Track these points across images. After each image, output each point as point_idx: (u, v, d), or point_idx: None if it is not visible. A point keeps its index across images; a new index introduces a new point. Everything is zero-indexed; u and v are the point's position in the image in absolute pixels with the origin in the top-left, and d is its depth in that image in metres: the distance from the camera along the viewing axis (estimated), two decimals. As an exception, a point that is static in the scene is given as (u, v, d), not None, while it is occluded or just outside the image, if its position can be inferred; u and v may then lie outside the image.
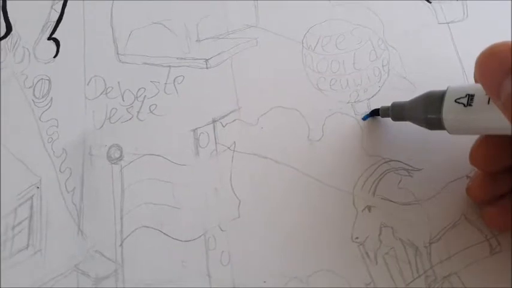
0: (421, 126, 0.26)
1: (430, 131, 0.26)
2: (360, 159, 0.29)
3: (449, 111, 0.24)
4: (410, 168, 0.29)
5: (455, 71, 0.31)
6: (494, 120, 0.22)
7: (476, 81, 0.23)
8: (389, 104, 0.29)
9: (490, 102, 0.22)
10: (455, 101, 0.23)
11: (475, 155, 0.26)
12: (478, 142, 0.26)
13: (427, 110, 0.25)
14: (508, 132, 0.22)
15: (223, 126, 0.30)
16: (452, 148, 0.29)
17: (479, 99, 0.23)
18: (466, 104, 0.23)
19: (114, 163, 0.30)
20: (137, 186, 0.29)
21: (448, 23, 0.33)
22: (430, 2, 0.33)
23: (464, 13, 0.33)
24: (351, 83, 0.31)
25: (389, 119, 0.29)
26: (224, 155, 0.30)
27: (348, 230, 0.28)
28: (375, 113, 0.30)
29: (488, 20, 0.32)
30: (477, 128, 0.24)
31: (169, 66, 0.32)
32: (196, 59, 0.32)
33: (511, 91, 0.19)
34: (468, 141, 0.29)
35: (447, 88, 0.24)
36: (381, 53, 0.32)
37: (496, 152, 0.25)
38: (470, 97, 0.23)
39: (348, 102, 0.31)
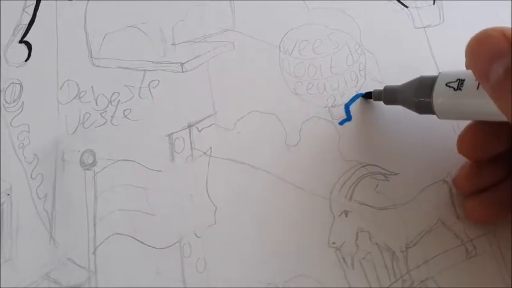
0: (412, 110, 0.27)
1: (407, 133, 0.26)
2: (337, 164, 0.29)
3: (439, 95, 0.24)
4: (387, 172, 0.29)
5: (431, 76, 0.31)
6: (482, 105, 0.22)
7: (467, 68, 0.24)
8: (382, 88, 0.29)
9: (480, 87, 0.22)
10: (446, 84, 0.24)
11: (462, 142, 0.26)
12: (465, 129, 0.26)
13: (418, 93, 0.25)
14: (495, 118, 0.22)
15: (199, 131, 0.30)
16: (429, 152, 0.29)
17: (469, 84, 0.23)
18: (456, 88, 0.23)
19: (87, 169, 0.29)
20: (111, 192, 0.29)
21: (424, 27, 0.33)
22: (407, 7, 0.33)
23: (440, 17, 0.33)
24: (328, 88, 0.31)
25: (367, 123, 0.29)
26: (200, 161, 0.29)
27: (325, 235, 0.28)
28: (367, 96, 0.30)
29: (464, 25, 0.33)
30: (465, 113, 0.24)
31: (144, 70, 0.31)
32: (172, 62, 0.32)
33: (501, 74, 0.20)
34: (445, 145, 0.29)
35: (439, 73, 0.25)
36: (358, 58, 0.32)
37: (483, 139, 0.25)
38: (461, 82, 0.23)
39: (325, 107, 0.31)
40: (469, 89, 0.23)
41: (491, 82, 0.20)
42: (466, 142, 0.26)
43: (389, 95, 0.28)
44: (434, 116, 0.26)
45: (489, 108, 0.21)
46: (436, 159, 0.29)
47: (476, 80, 0.22)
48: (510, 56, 0.19)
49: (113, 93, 0.31)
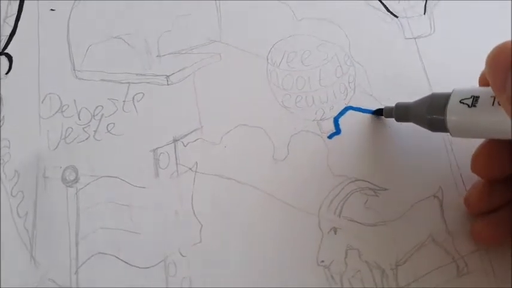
0: (424, 127, 0.26)
1: (397, 147, 0.26)
2: (326, 179, 0.29)
3: (453, 112, 0.24)
4: (376, 187, 0.28)
5: (421, 87, 0.31)
6: (497, 123, 0.22)
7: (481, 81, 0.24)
8: (394, 104, 0.28)
9: (495, 104, 0.22)
10: (460, 101, 0.23)
11: (476, 161, 0.26)
12: (479, 148, 0.26)
13: (431, 110, 0.25)
14: (510, 136, 0.22)
15: (185, 146, 0.29)
16: (420, 167, 0.29)
17: (484, 101, 0.23)
18: (470, 105, 0.23)
19: (69, 186, 0.28)
20: (93, 210, 0.28)
21: (415, 38, 0.32)
22: (397, 17, 0.33)
23: (431, 28, 0.33)
24: (316, 100, 0.30)
25: (356, 137, 0.29)
26: (185, 176, 0.28)
27: (314, 253, 0.27)
28: (378, 113, 0.30)
29: (455, 35, 0.32)
30: (480, 131, 0.24)
31: (129, 82, 0.31)
32: (157, 75, 0.31)
33: None
34: (436, 160, 0.28)
35: (453, 90, 0.24)
36: (347, 69, 0.31)
37: (498, 158, 0.25)
38: (475, 98, 0.23)
39: (313, 120, 0.30)
40: (483, 106, 0.23)
41: (507, 92, 0.20)
42: (480, 161, 0.26)
43: (401, 112, 0.28)
44: (425, 130, 0.26)
45: (504, 126, 0.21)
46: (427, 174, 0.29)
47: (491, 96, 0.22)
48: None
49: (96, 107, 0.30)
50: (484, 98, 0.23)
